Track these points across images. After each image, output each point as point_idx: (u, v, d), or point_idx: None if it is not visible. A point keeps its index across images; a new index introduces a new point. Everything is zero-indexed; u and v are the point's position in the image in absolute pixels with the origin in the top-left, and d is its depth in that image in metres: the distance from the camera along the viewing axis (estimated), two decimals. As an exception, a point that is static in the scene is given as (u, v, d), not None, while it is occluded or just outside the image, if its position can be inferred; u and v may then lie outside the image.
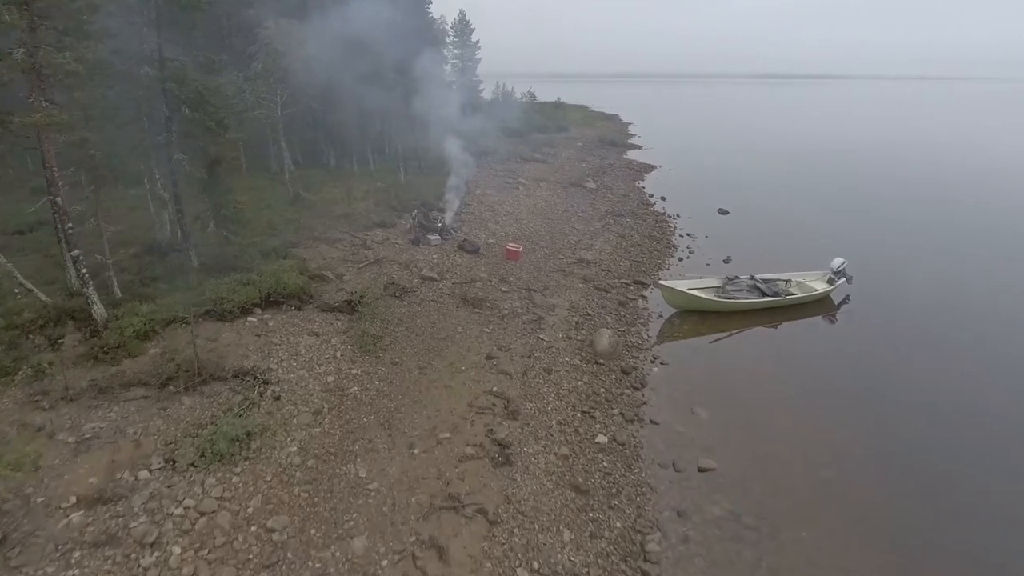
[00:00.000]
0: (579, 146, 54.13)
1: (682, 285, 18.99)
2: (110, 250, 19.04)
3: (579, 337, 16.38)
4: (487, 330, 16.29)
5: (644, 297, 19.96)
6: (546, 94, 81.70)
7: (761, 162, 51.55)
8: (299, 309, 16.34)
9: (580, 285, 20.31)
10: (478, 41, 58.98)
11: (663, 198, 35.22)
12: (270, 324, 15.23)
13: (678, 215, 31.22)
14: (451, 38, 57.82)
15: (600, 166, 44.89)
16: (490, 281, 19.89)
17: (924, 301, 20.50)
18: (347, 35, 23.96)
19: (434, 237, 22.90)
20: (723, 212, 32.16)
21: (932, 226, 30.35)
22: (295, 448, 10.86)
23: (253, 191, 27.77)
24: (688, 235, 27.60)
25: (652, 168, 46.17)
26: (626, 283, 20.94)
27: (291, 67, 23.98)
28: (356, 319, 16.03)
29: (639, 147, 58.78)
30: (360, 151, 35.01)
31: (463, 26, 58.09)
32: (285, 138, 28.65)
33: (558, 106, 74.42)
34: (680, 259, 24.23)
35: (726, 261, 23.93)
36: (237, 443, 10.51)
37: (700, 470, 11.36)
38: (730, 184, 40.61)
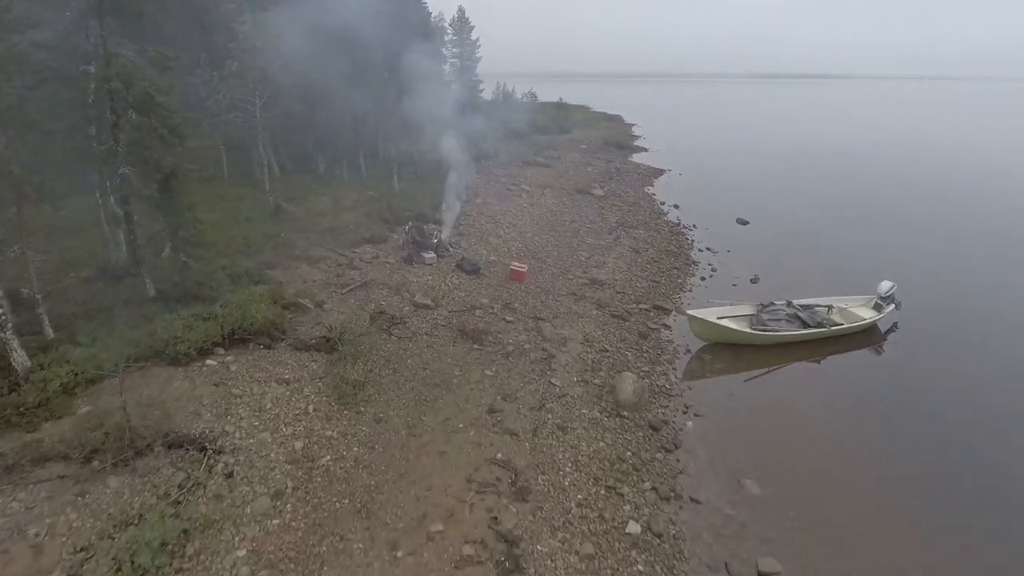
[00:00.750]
0: (583, 148, 51.80)
1: (712, 314, 16.64)
2: (55, 275, 16.77)
3: (597, 381, 13.99)
4: (489, 372, 13.89)
5: (667, 327, 17.58)
6: (546, 94, 79.27)
7: (771, 165, 49.48)
8: (269, 348, 13.96)
9: (594, 312, 17.93)
10: (478, 39, 56.65)
11: (676, 206, 32.90)
12: (232, 369, 12.84)
13: (694, 226, 28.86)
14: (449, 36, 55.50)
15: (607, 170, 42.51)
16: (492, 308, 17.51)
17: (975, 321, 18.23)
18: (333, 28, 21.56)
19: (429, 255, 20.50)
20: (742, 222, 29.79)
21: (958, 232, 28.17)
22: (244, 552, 8.46)
23: (232, 201, 25.40)
24: (708, 249, 25.22)
25: (661, 172, 43.84)
26: (645, 309, 18.56)
27: (270, 65, 21.53)
28: (335, 360, 13.64)
29: (645, 149, 56.50)
30: (351, 156, 32.57)
31: (462, 23, 55.77)
32: (268, 143, 26.24)
33: (561, 107, 71.92)
34: (703, 278, 21.83)
35: (754, 281, 21.57)
36: (166, 549, 8.12)
37: (761, 575, 8.98)
38: (743, 189, 38.51)
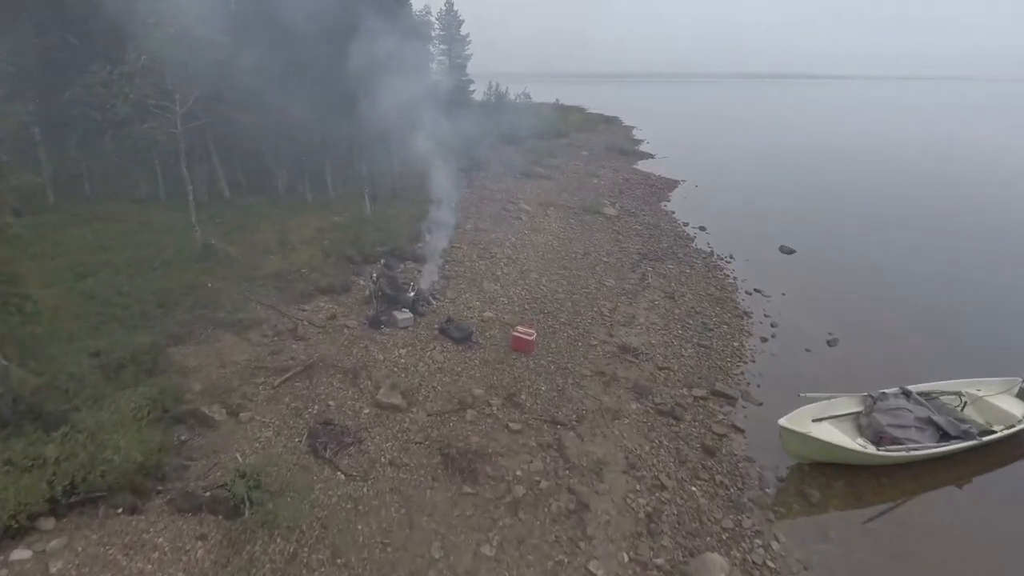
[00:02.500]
0: (585, 155, 46.76)
1: (807, 418, 11.55)
2: None
3: (659, 561, 8.76)
4: (488, 551, 8.64)
5: (738, 429, 12.36)
6: (539, 94, 73.93)
7: (786, 169, 45.57)
8: (133, 512, 8.67)
9: (633, 406, 12.72)
10: (468, 35, 51.35)
11: (702, 228, 27.86)
12: (52, 570, 7.53)
13: (731, 256, 23.79)
14: (436, 31, 50.15)
15: (615, 182, 37.47)
16: (489, 404, 12.25)
17: None
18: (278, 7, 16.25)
19: (403, 315, 15.18)
20: (787, 251, 24.77)
21: None
22: None
23: (158, 233, 19.93)
24: (758, 292, 20.07)
25: (675, 184, 38.79)
26: (701, 397, 13.38)
27: (194, 58, 16.17)
28: (238, 534, 8.38)
29: (651, 155, 51.55)
30: (317, 170, 27.13)
31: (451, 17, 50.45)
32: (196, 159, 20.82)
33: (559, 108, 66.75)
34: (764, 339, 16.66)
35: (831, 343, 16.46)
36: None
37: None
38: (768, 200, 34.57)
